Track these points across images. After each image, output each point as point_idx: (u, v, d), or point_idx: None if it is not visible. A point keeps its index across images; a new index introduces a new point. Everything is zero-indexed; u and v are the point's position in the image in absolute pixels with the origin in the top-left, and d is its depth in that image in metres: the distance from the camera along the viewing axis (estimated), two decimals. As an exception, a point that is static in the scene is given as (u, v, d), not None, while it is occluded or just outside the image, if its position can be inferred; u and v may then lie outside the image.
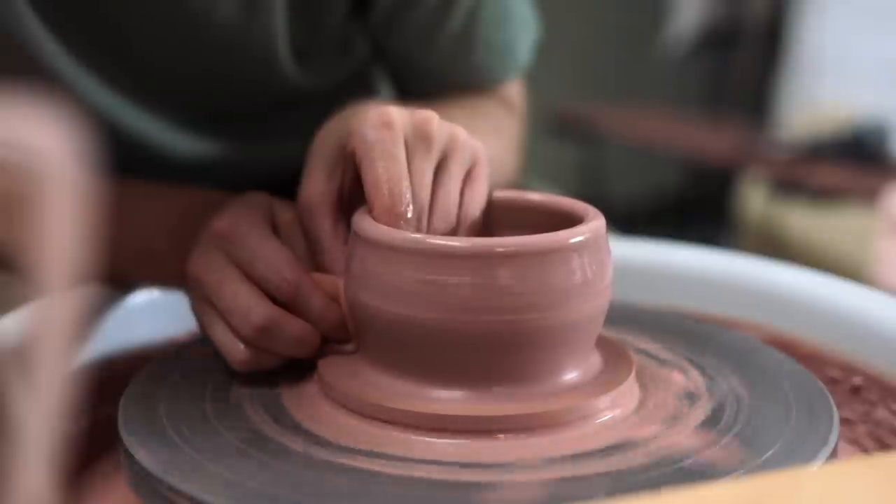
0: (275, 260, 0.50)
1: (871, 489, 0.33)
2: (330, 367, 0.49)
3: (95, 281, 0.61)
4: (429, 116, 0.51)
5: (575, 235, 0.46)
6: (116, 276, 0.62)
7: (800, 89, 2.94)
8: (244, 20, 0.64)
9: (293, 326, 0.49)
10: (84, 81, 0.65)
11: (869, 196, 2.10)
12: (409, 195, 0.48)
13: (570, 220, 0.49)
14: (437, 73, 0.76)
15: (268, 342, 0.49)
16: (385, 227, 0.47)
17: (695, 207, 3.36)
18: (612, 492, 0.40)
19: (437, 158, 0.51)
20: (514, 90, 0.82)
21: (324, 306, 0.50)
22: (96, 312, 0.60)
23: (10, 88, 0.30)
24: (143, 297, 0.63)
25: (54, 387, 0.30)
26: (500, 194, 0.55)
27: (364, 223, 0.48)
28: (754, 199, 2.55)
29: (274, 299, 0.50)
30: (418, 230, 0.49)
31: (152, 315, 0.62)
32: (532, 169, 0.91)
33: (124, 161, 0.63)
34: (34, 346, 0.30)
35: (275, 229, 0.52)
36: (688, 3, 3.37)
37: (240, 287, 0.49)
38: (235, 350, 0.50)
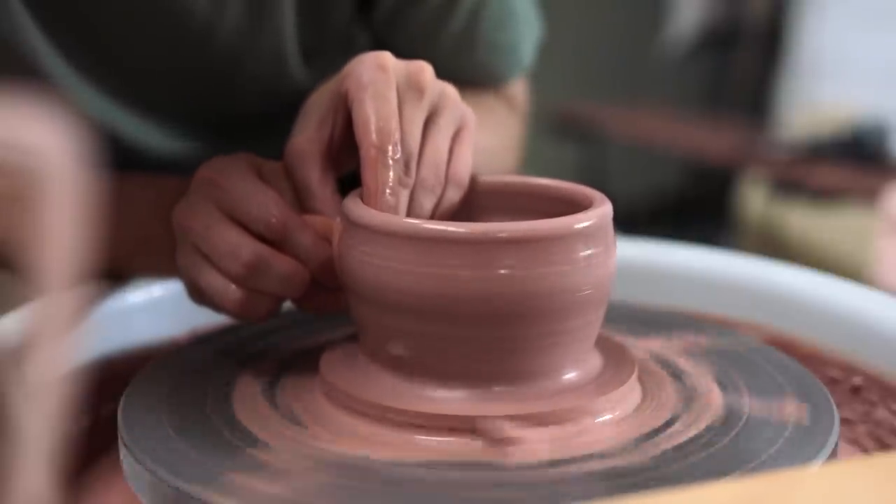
0: (262, 199, 0.49)
1: (871, 489, 0.33)
2: (331, 367, 0.49)
3: (94, 275, 0.61)
4: (422, 67, 0.51)
5: (580, 221, 0.45)
6: (114, 266, 0.61)
7: (800, 89, 2.94)
8: (253, 25, 0.65)
9: (282, 263, 0.49)
10: (86, 91, 0.65)
11: (869, 196, 2.10)
12: (397, 135, 0.48)
13: (576, 206, 0.48)
14: (439, 72, 0.76)
15: (257, 281, 0.49)
16: (382, 214, 0.46)
17: (695, 207, 3.36)
18: (613, 492, 0.40)
19: (427, 109, 0.51)
20: (518, 90, 0.82)
21: (313, 243, 0.50)
22: (94, 310, 0.60)
23: (9, 90, 0.30)
24: (143, 297, 0.63)
25: (54, 387, 0.30)
26: (507, 179, 0.55)
27: (360, 210, 0.47)
28: (754, 199, 2.55)
29: (263, 240, 0.49)
30: (407, 176, 0.49)
31: (152, 315, 0.62)
32: (532, 169, 0.91)
33: (125, 168, 0.63)
34: (34, 346, 0.30)
35: (260, 179, 0.52)
36: (688, 4, 3.37)
37: (227, 229, 0.49)
38: (228, 291, 0.49)
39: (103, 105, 0.66)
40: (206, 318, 0.63)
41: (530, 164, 0.87)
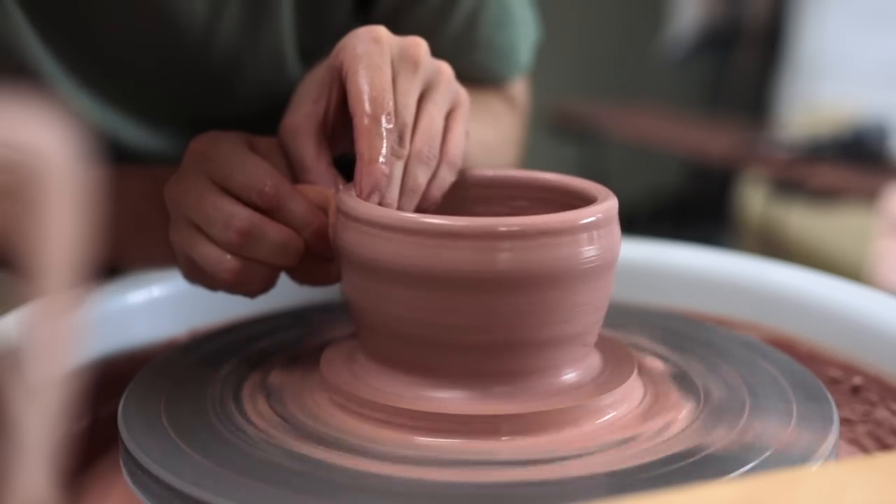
0: (254, 168, 0.49)
1: (871, 489, 0.33)
2: (331, 367, 0.49)
3: (93, 271, 0.60)
4: (416, 41, 0.51)
5: (585, 216, 0.45)
6: (110, 255, 0.61)
7: (800, 89, 2.94)
8: (251, 27, 0.65)
9: (276, 231, 0.49)
10: (85, 96, 0.65)
11: (869, 196, 2.10)
12: (391, 105, 0.48)
13: (581, 200, 0.48)
14: None
15: (252, 249, 0.49)
16: (380, 208, 0.46)
17: (695, 207, 3.36)
18: (613, 491, 0.40)
19: (422, 83, 0.51)
20: (518, 90, 0.82)
21: (306, 211, 0.49)
22: (94, 310, 0.60)
23: (8, 91, 0.30)
24: (143, 297, 0.63)
25: (54, 387, 0.30)
26: (509, 172, 0.54)
27: (355, 203, 0.47)
28: (754, 199, 2.55)
29: (256, 209, 0.49)
30: (401, 147, 0.48)
31: (152, 315, 0.62)
32: (532, 168, 0.91)
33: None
34: (34, 346, 0.30)
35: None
36: (688, 4, 3.37)
37: (220, 198, 0.49)
38: (222, 261, 0.49)
39: (102, 109, 0.66)
40: (205, 318, 0.63)
41: (530, 163, 0.87)
